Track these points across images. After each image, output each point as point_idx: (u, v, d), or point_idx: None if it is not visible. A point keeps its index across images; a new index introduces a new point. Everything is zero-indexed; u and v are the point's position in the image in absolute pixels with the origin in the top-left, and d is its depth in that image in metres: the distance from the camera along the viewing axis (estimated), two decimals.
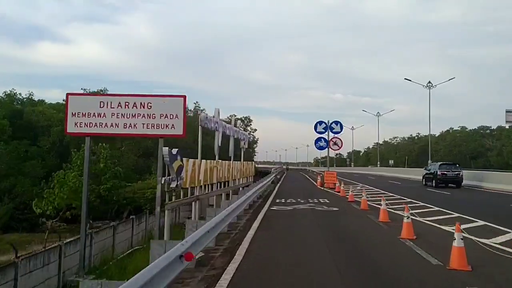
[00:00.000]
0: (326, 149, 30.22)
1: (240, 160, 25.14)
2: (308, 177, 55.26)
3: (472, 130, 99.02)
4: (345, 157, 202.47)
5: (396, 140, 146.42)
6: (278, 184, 36.07)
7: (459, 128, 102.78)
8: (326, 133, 30.04)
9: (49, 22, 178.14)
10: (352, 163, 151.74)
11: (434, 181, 29.49)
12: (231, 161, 21.20)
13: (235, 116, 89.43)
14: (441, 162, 31.68)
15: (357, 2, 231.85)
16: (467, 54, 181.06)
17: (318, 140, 30.51)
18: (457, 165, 30.39)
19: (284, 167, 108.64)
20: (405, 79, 49.02)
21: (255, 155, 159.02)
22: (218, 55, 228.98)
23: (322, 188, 29.80)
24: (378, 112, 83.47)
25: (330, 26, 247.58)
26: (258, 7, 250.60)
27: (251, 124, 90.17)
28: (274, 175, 41.87)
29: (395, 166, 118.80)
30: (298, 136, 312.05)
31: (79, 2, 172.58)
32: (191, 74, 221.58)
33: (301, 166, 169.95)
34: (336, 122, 30.05)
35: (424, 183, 31.77)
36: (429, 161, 41.32)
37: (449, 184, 28.71)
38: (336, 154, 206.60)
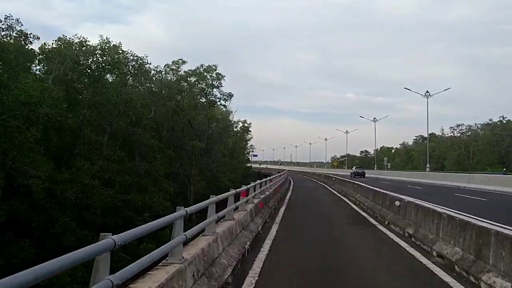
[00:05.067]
0: None
1: None
2: None
3: None
4: (372, 154, 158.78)
5: (459, 131, 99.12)
6: None
7: None
8: None
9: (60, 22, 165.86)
10: (389, 164, 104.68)
11: (353, 175, 51.46)
12: None
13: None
14: (356, 166, 68.41)
15: (370, 1, 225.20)
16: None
17: None
18: (363, 167, 68.62)
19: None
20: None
21: (251, 151, 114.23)
22: (228, 54, 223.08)
23: None
24: (427, 92, 49.64)
25: (343, 25, 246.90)
26: (270, 6, 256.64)
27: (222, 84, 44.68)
28: None
29: (471, 169, 74.19)
30: (309, 136, 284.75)
31: (92, 2, 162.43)
32: None
33: (315, 167, 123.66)
34: None
35: (350, 176, 46.94)
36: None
37: (360, 177, 48.75)
38: (361, 152, 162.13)
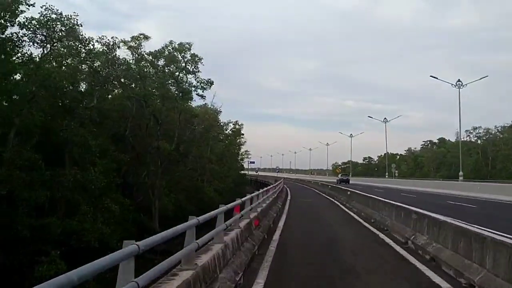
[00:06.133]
0: None
1: None
2: None
3: None
4: (375, 161, 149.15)
5: (476, 134, 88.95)
6: None
7: None
8: None
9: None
10: (396, 171, 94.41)
11: (339, 181, 58.34)
12: None
13: None
14: (341, 174, 72.20)
15: (370, 9, 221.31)
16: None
17: None
18: (347, 174, 71.18)
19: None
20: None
21: (246, 157, 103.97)
22: (228, 61, 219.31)
23: None
24: (459, 81, 41.85)
25: (343, 32, 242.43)
26: (270, 13, 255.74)
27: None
28: None
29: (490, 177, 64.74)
30: (308, 143, 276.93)
31: (91, 9, 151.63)
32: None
33: (316, 174, 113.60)
34: None
35: (336, 182, 54.04)
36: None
37: (345, 183, 54.53)
38: (364, 159, 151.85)
